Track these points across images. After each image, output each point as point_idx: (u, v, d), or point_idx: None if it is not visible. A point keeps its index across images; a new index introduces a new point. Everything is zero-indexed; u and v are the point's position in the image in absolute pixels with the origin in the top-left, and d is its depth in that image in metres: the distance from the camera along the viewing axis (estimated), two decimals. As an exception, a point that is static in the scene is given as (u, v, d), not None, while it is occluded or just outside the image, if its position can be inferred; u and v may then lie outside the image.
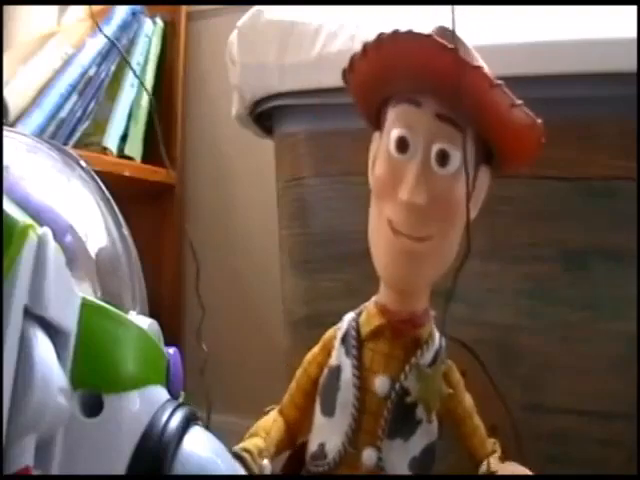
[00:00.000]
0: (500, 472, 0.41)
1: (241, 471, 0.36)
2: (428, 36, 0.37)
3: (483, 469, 0.43)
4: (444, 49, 0.36)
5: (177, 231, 1.08)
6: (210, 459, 0.26)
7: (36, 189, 0.26)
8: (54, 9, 1.04)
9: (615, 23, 0.52)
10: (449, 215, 0.40)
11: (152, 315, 0.29)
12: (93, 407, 0.24)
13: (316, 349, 0.45)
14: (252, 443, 0.42)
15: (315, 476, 0.42)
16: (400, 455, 0.41)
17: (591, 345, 0.53)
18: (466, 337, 0.54)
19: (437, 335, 0.43)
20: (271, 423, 0.44)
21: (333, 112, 0.60)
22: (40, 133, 0.86)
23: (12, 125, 0.84)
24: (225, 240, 1.06)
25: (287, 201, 0.68)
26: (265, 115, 0.69)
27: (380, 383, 0.41)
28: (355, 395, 0.41)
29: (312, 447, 0.43)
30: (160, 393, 0.27)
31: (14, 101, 0.86)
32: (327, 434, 0.42)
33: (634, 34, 0.49)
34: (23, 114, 0.87)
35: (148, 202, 1.05)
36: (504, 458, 0.44)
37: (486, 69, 0.38)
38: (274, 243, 0.72)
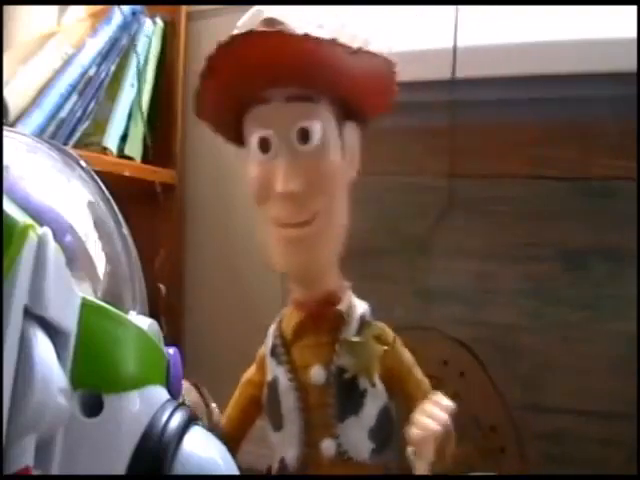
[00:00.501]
0: (419, 410, 0.39)
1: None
2: (260, 33, 0.38)
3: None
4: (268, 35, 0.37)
5: (177, 231, 1.08)
6: (210, 459, 0.26)
7: (36, 189, 0.26)
8: (54, 9, 1.04)
9: (615, 23, 0.52)
10: (327, 189, 0.40)
11: (152, 315, 0.29)
12: (93, 407, 0.24)
13: (252, 369, 0.46)
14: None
15: (315, 476, 0.42)
16: (357, 430, 0.41)
17: (591, 345, 0.53)
18: (466, 337, 0.54)
19: (358, 303, 0.43)
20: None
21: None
22: (40, 133, 0.86)
23: (12, 125, 0.84)
24: (225, 240, 1.06)
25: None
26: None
27: (315, 373, 0.41)
28: (296, 396, 0.41)
29: (275, 466, 0.43)
30: (160, 393, 0.27)
31: (14, 101, 0.86)
32: (283, 448, 0.42)
33: (634, 34, 0.49)
34: (23, 114, 0.87)
35: (148, 202, 1.05)
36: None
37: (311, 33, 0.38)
38: (274, 243, 0.72)
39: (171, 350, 0.29)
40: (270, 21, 0.39)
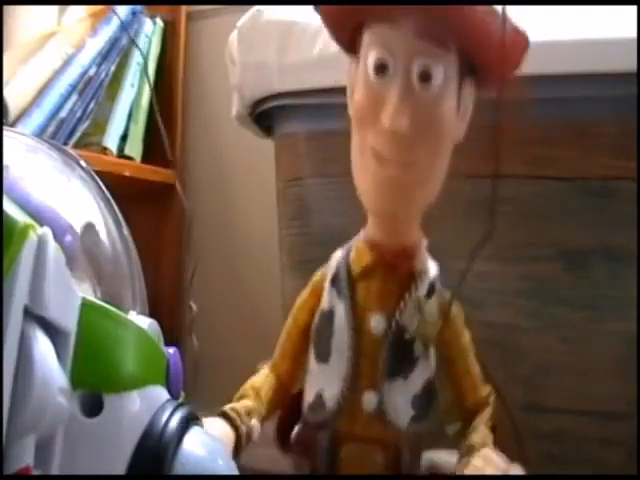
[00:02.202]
0: (471, 467, 0.38)
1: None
2: None
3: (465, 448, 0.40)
4: None
5: (177, 231, 1.08)
6: (210, 459, 0.26)
7: (36, 189, 0.26)
8: (54, 9, 1.04)
9: (615, 23, 0.52)
10: (435, 137, 0.38)
11: (152, 315, 0.29)
12: (93, 407, 0.24)
13: (305, 294, 0.43)
14: (240, 404, 0.41)
15: (316, 476, 0.42)
16: (401, 395, 0.39)
17: (591, 345, 0.53)
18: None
19: (431, 265, 0.41)
20: (261, 381, 0.43)
21: (333, 112, 0.60)
22: (40, 133, 0.86)
23: (12, 125, 0.84)
24: (225, 240, 1.06)
25: (287, 201, 0.68)
26: (265, 115, 0.69)
27: (376, 322, 0.39)
28: (351, 337, 0.39)
29: (309, 397, 0.41)
30: (160, 393, 0.27)
31: (14, 101, 0.86)
32: (324, 382, 0.40)
33: (634, 34, 0.49)
34: (23, 114, 0.87)
35: (148, 202, 1.05)
36: (494, 428, 0.42)
37: None
38: (274, 243, 0.72)
39: (171, 350, 0.29)
40: None
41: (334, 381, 0.40)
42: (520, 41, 0.38)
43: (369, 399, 0.39)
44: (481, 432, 0.41)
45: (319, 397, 0.40)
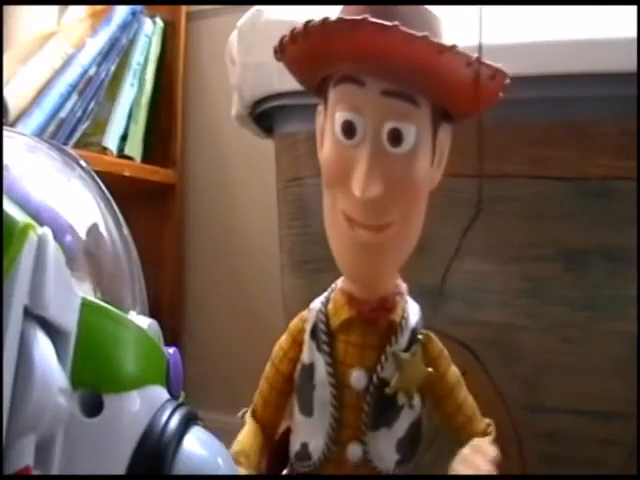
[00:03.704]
0: (465, 464, 0.38)
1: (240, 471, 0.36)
2: (359, 21, 0.33)
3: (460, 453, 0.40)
4: (383, 30, 0.33)
5: (177, 231, 1.08)
6: (210, 459, 0.26)
7: (36, 189, 0.26)
8: (54, 9, 1.04)
9: (615, 23, 0.52)
10: (409, 197, 0.37)
11: (152, 315, 0.29)
12: (93, 407, 0.24)
13: (284, 343, 0.43)
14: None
15: (316, 476, 0.42)
16: (386, 442, 0.39)
17: (591, 345, 0.53)
18: (466, 337, 0.54)
19: (412, 310, 0.40)
20: (250, 443, 0.42)
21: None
22: (40, 133, 0.86)
23: (12, 125, 0.84)
24: (225, 240, 1.06)
25: (287, 201, 0.68)
26: (265, 115, 0.69)
27: (356, 377, 0.39)
28: (332, 393, 0.39)
29: (295, 446, 0.41)
30: (160, 393, 0.27)
31: (14, 101, 0.86)
32: (308, 434, 0.40)
33: (634, 34, 0.49)
34: (23, 114, 0.87)
35: (148, 202, 1.05)
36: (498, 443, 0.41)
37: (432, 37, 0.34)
38: (274, 243, 0.72)
39: (171, 350, 0.29)
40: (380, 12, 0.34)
41: (318, 433, 0.40)
42: (497, 82, 0.36)
43: (353, 450, 0.39)
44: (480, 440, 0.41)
45: (305, 447, 0.40)
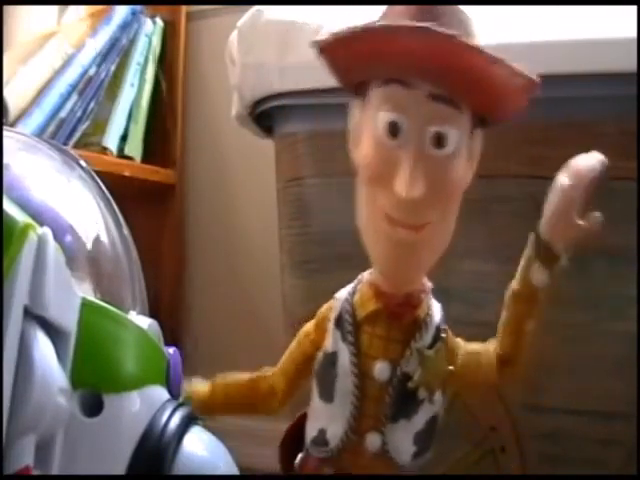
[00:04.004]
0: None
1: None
2: (419, 28, 0.34)
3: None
4: (445, 38, 0.34)
5: (177, 231, 1.08)
6: (210, 459, 0.26)
7: (36, 189, 0.26)
8: (54, 9, 1.04)
9: (615, 23, 0.52)
10: (448, 197, 0.38)
11: (152, 315, 0.29)
12: (93, 407, 0.24)
13: (310, 327, 0.43)
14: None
15: (315, 476, 0.42)
16: (404, 434, 0.40)
17: (591, 345, 0.53)
18: (466, 337, 0.54)
19: (436, 309, 0.41)
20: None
21: (333, 112, 0.60)
22: (40, 133, 0.86)
23: (12, 125, 0.84)
24: (225, 240, 1.06)
25: (287, 201, 0.68)
26: (265, 115, 0.69)
27: (380, 369, 0.39)
28: (354, 383, 0.40)
29: (312, 431, 0.42)
30: (160, 393, 0.27)
31: (14, 101, 0.86)
32: (327, 420, 0.41)
33: (634, 34, 0.49)
34: (23, 114, 0.87)
35: (148, 202, 1.05)
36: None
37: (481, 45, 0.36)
38: (274, 243, 0.72)
39: (171, 350, 0.29)
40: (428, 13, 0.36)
41: (337, 421, 0.40)
42: (528, 88, 0.38)
43: (372, 440, 0.40)
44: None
45: (322, 433, 0.41)
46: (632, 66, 0.49)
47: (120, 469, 0.23)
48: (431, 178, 0.36)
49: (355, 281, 0.42)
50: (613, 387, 0.53)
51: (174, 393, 0.28)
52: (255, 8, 0.66)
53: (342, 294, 0.42)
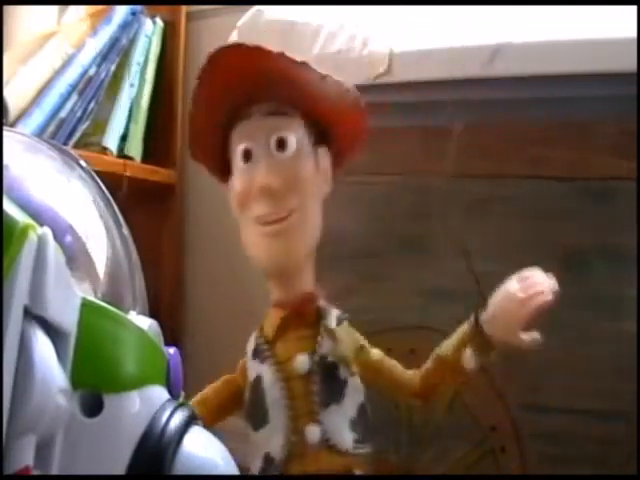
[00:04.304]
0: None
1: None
2: (246, 48, 0.42)
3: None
4: (263, 56, 0.42)
5: (177, 231, 1.08)
6: (210, 459, 0.26)
7: (36, 189, 0.26)
8: (54, 9, 1.04)
9: (615, 23, 0.52)
10: (301, 189, 0.45)
11: (152, 315, 0.29)
12: (93, 407, 0.24)
13: (232, 377, 0.48)
14: None
15: (316, 476, 0.42)
16: (339, 419, 0.43)
17: (591, 345, 0.53)
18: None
19: (332, 309, 0.46)
20: (210, 395, 0.48)
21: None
22: (40, 133, 0.86)
23: (12, 125, 0.84)
24: (225, 240, 1.06)
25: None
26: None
27: (300, 361, 0.43)
28: (282, 386, 0.43)
29: (257, 465, 0.44)
30: (160, 393, 0.27)
31: (14, 101, 0.86)
32: (268, 442, 0.43)
33: (634, 34, 0.49)
34: (23, 114, 0.87)
35: (148, 202, 1.05)
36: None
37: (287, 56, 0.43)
38: (274, 243, 0.72)
39: (171, 350, 0.29)
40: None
41: (277, 435, 0.43)
42: (357, 108, 0.46)
43: (311, 432, 0.42)
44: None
45: (267, 457, 0.43)
46: (632, 66, 0.49)
47: (120, 469, 0.23)
48: (282, 174, 0.44)
49: (259, 324, 0.48)
50: (613, 387, 0.53)
51: (174, 393, 0.28)
52: (255, 8, 0.66)
53: (251, 336, 0.48)
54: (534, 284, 0.42)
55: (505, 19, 0.57)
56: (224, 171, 0.48)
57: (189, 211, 1.09)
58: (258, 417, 0.44)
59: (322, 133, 0.47)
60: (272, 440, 0.43)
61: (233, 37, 0.69)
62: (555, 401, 0.54)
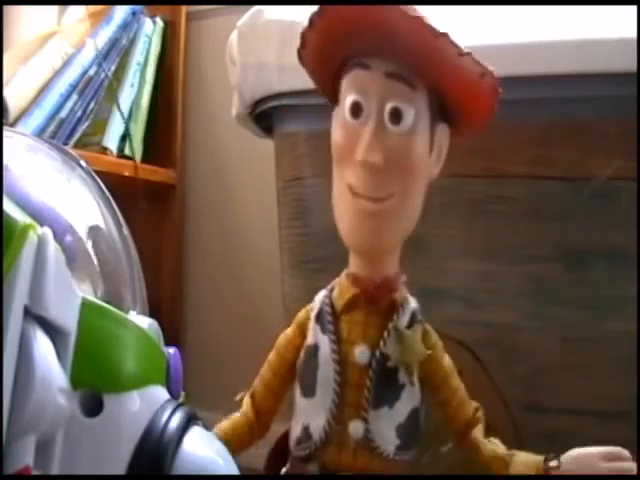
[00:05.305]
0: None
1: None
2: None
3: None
4: (387, 8, 0.37)
5: (177, 231, 1.08)
6: (210, 459, 0.26)
7: (36, 189, 0.26)
8: (54, 9, 1.04)
9: (615, 23, 0.52)
10: (408, 173, 0.40)
11: (152, 315, 0.29)
12: (93, 407, 0.24)
13: (290, 332, 0.44)
14: None
15: (316, 476, 0.42)
16: (387, 423, 0.40)
17: (591, 345, 0.53)
18: (466, 337, 0.54)
19: (411, 298, 0.43)
20: (229, 430, 0.44)
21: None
22: (40, 133, 0.86)
23: (12, 125, 0.84)
24: (225, 240, 1.06)
25: (287, 201, 0.68)
26: (265, 115, 0.69)
27: (360, 353, 0.41)
28: (335, 369, 0.40)
29: (296, 432, 0.42)
30: (160, 393, 0.27)
31: (14, 101, 0.86)
32: (310, 415, 0.41)
33: (634, 34, 0.49)
34: (23, 114, 0.87)
35: (148, 202, 1.05)
36: (489, 430, 0.43)
37: (429, 20, 0.38)
38: (274, 243, 0.72)
39: (171, 350, 0.29)
40: None
41: (320, 413, 0.41)
42: (488, 83, 0.39)
43: (355, 428, 0.40)
44: (494, 444, 0.42)
45: (306, 429, 0.41)
46: (632, 66, 0.49)
47: (120, 469, 0.23)
48: (390, 151, 0.39)
49: (333, 281, 0.44)
50: (613, 387, 0.53)
51: (174, 393, 0.28)
52: (255, 8, 0.66)
53: (320, 293, 0.44)
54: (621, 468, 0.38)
55: (505, 19, 0.57)
56: (332, 98, 0.43)
57: (189, 211, 1.09)
58: (307, 384, 0.42)
59: (444, 108, 0.41)
60: (315, 415, 0.41)
61: (233, 37, 0.69)
62: (555, 401, 0.54)
